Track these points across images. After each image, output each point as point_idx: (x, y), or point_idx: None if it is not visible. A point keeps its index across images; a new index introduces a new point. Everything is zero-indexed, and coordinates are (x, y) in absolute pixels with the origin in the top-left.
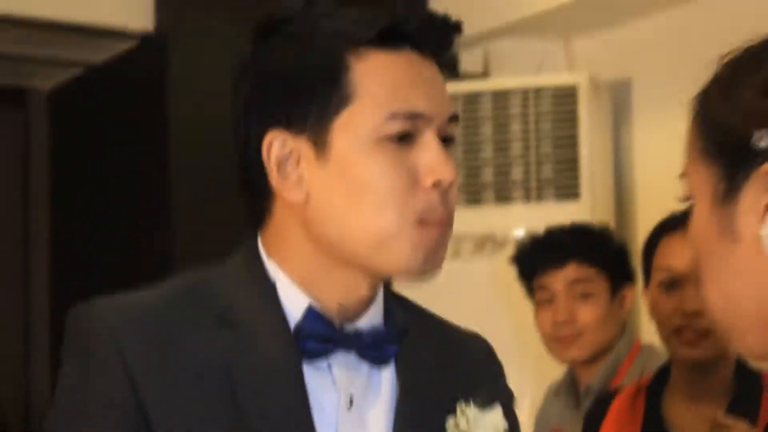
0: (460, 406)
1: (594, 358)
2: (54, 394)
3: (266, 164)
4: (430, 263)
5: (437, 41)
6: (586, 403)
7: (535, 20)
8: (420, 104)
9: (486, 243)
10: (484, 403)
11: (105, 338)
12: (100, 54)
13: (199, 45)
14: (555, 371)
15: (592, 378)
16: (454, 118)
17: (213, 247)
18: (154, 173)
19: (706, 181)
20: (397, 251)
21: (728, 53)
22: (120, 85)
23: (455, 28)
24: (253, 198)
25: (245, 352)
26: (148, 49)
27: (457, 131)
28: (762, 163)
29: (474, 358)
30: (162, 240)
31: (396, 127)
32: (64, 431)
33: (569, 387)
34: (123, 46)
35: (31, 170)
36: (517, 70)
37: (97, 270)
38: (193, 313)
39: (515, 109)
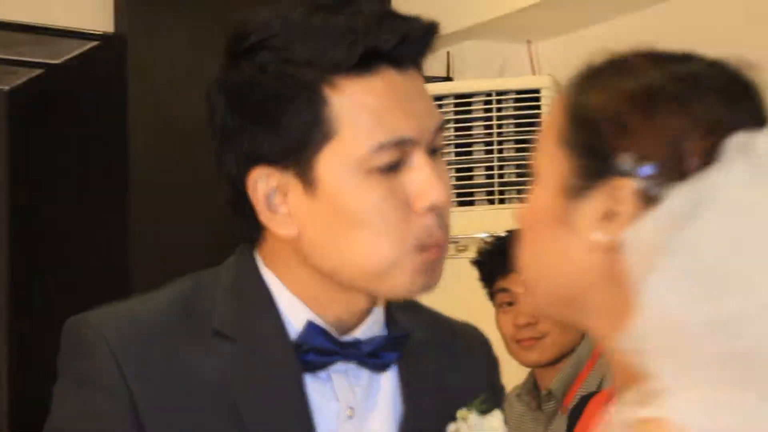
0: (461, 412)
1: (555, 362)
2: (51, 407)
3: (252, 200)
4: (429, 285)
5: (415, 52)
6: (547, 406)
7: (497, 23)
8: (406, 129)
9: (448, 246)
10: (485, 408)
11: (105, 357)
12: (61, 55)
13: (158, 45)
14: (518, 373)
15: (552, 381)
16: (441, 128)
17: (170, 242)
18: (113, 171)
19: (558, 168)
20: (397, 279)
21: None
22: (80, 85)
23: (432, 31)
24: (243, 224)
25: (245, 365)
26: (107, 50)
27: None
28: (614, 176)
29: (474, 354)
30: (120, 235)
31: (384, 158)
32: None
33: (530, 390)
34: (83, 47)
35: None
36: (479, 73)
37: (55, 267)
38: (189, 326)
39: (478, 112)
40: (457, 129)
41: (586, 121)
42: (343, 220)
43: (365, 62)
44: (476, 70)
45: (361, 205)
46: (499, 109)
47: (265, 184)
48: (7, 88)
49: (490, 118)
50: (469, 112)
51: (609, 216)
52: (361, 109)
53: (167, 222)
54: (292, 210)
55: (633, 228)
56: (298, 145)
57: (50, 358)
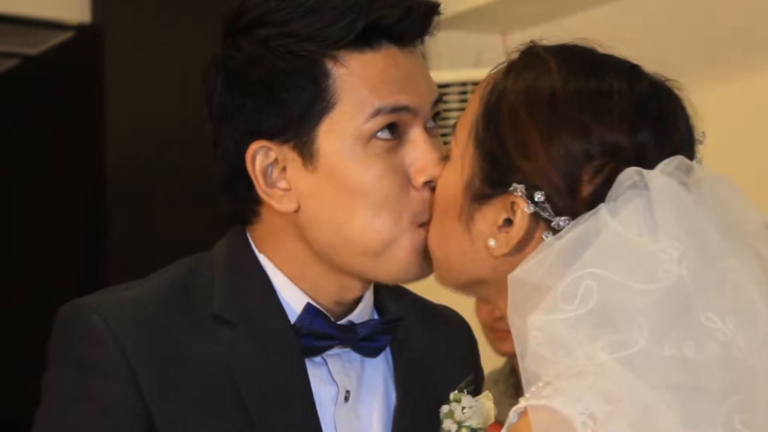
0: (454, 393)
1: None
2: (42, 400)
3: (251, 175)
4: (426, 268)
5: (417, 30)
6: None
7: (472, 14)
8: (404, 98)
9: None
10: (472, 389)
11: (110, 343)
12: (37, 46)
13: (135, 35)
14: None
15: None
16: (438, 102)
17: (147, 231)
18: (91, 161)
19: (468, 162)
20: (395, 257)
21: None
22: (56, 75)
23: (434, 10)
24: (237, 200)
25: (246, 350)
26: (84, 41)
27: None
28: (512, 192)
29: (456, 336)
30: (97, 226)
31: (381, 122)
32: None
33: (507, 376)
34: (60, 38)
35: None
36: (455, 65)
37: (29, 261)
38: (188, 311)
39: (453, 103)
40: (432, 119)
41: (494, 125)
42: (343, 193)
43: (366, 37)
44: (451, 61)
45: (360, 176)
46: None
47: (263, 159)
48: None
49: (464, 109)
50: (445, 102)
51: (505, 225)
52: (361, 81)
53: (144, 213)
54: (291, 184)
55: (521, 267)
56: (298, 118)
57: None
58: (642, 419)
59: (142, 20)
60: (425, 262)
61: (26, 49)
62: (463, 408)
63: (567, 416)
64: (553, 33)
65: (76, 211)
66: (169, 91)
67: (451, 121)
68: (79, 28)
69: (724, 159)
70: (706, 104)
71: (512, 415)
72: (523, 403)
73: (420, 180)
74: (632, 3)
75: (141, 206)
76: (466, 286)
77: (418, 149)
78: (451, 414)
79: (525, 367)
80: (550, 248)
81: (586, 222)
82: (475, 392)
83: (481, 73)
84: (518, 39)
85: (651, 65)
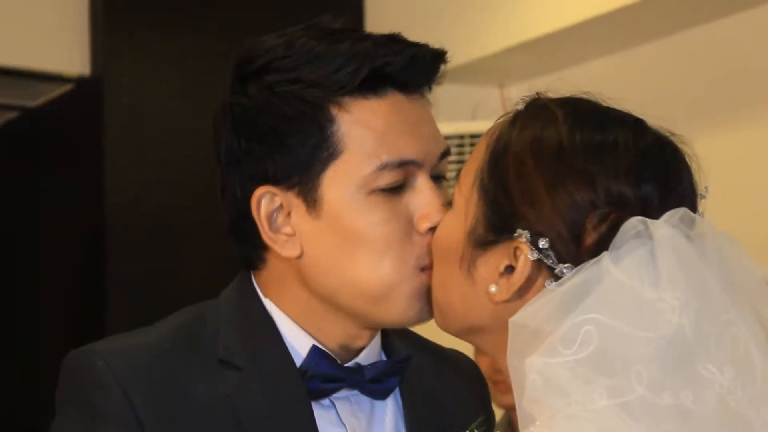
0: None
1: None
2: None
3: (256, 219)
4: (427, 312)
5: (423, 78)
6: None
7: (470, 67)
8: (409, 150)
9: None
10: (484, 429)
11: (114, 389)
12: (37, 98)
13: (133, 86)
14: None
15: None
16: (446, 155)
17: (145, 279)
18: (89, 209)
19: (471, 210)
20: (396, 302)
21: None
22: (56, 127)
23: (440, 58)
24: (243, 245)
25: (252, 393)
26: (83, 92)
27: None
28: (516, 239)
29: (466, 379)
30: (95, 278)
31: (388, 178)
32: None
33: (506, 428)
34: (59, 90)
35: None
36: (452, 117)
37: (27, 311)
38: (194, 357)
39: (452, 156)
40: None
41: (500, 173)
42: (346, 239)
43: (371, 84)
44: (449, 113)
45: (364, 225)
46: (472, 152)
47: (269, 204)
48: None
49: (462, 161)
50: (448, 153)
51: (507, 272)
52: (366, 130)
53: (142, 259)
54: (294, 230)
55: (522, 311)
56: (303, 164)
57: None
58: None
59: (141, 72)
60: (426, 306)
61: (26, 102)
62: None
63: None
64: (549, 85)
65: (74, 257)
66: (167, 140)
67: (449, 174)
68: (79, 81)
69: (724, 210)
70: (705, 156)
71: None
72: None
73: (425, 226)
74: (630, 55)
75: (139, 253)
76: (465, 333)
77: (424, 196)
78: None
79: (522, 408)
80: (552, 294)
81: (589, 269)
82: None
83: (477, 126)
84: (515, 91)
85: (653, 119)
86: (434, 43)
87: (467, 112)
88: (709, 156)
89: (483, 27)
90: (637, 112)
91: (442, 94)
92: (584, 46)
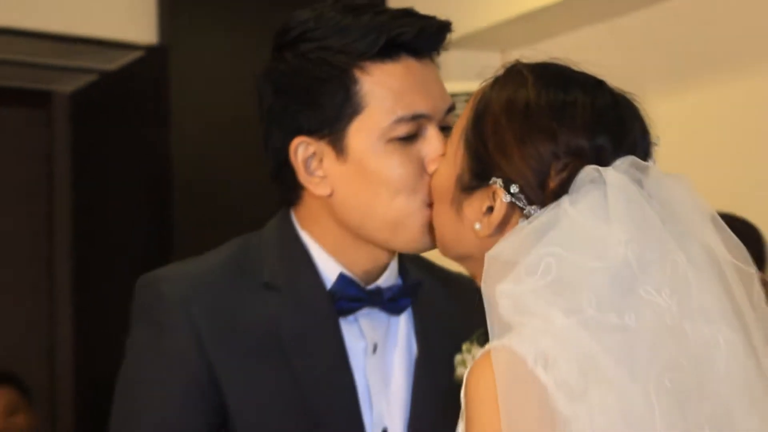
0: (466, 344)
1: None
2: (124, 361)
3: (294, 165)
4: (432, 240)
5: (431, 44)
6: None
7: (476, 36)
8: (421, 106)
9: None
10: (482, 340)
11: (177, 306)
12: (113, 62)
13: (196, 55)
14: None
15: None
16: (451, 110)
17: (208, 233)
18: (159, 157)
19: (458, 159)
20: (409, 230)
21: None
22: (129, 88)
23: (446, 28)
24: (284, 187)
25: (290, 312)
26: (152, 59)
27: None
28: (493, 184)
29: (468, 296)
30: (162, 224)
31: (403, 129)
32: (138, 387)
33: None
34: (131, 56)
35: (54, 163)
36: (461, 78)
37: (109, 245)
38: (242, 280)
39: (460, 109)
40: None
41: (481, 129)
42: (368, 180)
43: (388, 51)
44: (458, 75)
45: (383, 168)
46: None
47: (304, 152)
48: (69, 90)
49: None
50: (453, 109)
51: (488, 212)
52: (384, 89)
53: (205, 200)
54: (326, 173)
55: (496, 246)
56: (332, 118)
57: (105, 321)
58: (587, 363)
59: (200, 40)
60: (432, 236)
61: (105, 66)
62: (474, 357)
63: (521, 354)
64: (544, 51)
65: (146, 201)
66: (224, 100)
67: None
68: (148, 48)
69: (680, 159)
70: (661, 113)
71: (478, 354)
72: (487, 346)
73: (433, 168)
74: (611, 25)
75: (200, 195)
76: (459, 259)
77: (433, 144)
78: (464, 362)
79: (492, 328)
80: (520, 230)
81: (551, 210)
82: (485, 343)
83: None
84: (515, 56)
85: (623, 80)
86: (444, 15)
87: (474, 74)
88: (670, 111)
89: (481, 4)
90: (610, 73)
91: (453, 58)
92: (572, 16)
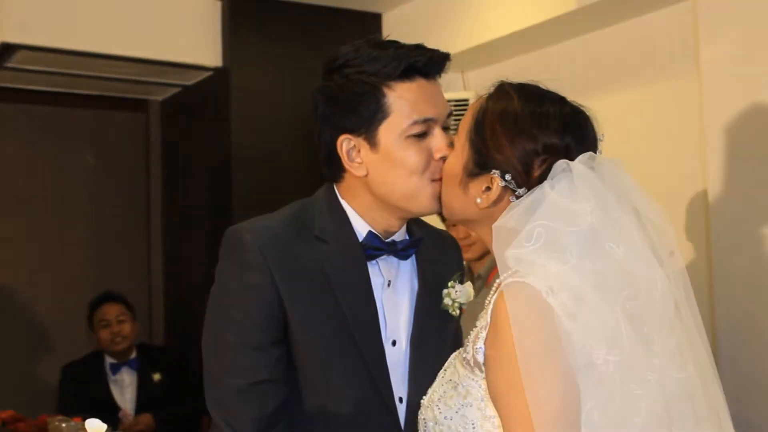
0: (451, 282)
1: (481, 257)
2: (215, 283)
3: (340, 154)
4: (437, 206)
5: (437, 69)
6: (477, 284)
7: None
8: (430, 112)
9: None
10: (461, 280)
11: (256, 251)
12: (191, 80)
13: (251, 75)
14: None
15: (481, 268)
16: (450, 114)
17: (255, 205)
18: (222, 157)
19: (464, 152)
20: (421, 200)
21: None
22: (202, 99)
23: (446, 58)
24: (331, 169)
25: (335, 257)
26: (218, 77)
27: None
28: (490, 172)
29: (452, 250)
30: (224, 198)
31: (417, 129)
32: (227, 304)
33: (467, 271)
34: (204, 75)
35: (149, 153)
36: None
37: (187, 209)
38: (301, 233)
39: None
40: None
41: (481, 131)
42: (393, 165)
43: (406, 73)
44: None
45: (403, 157)
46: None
47: (347, 145)
48: (160, 99)
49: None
50: (452, 114)
51: (486, 190)
52: (404, 100)
53: (254, 191)
54: (363, 160)
55: (502, 217)
56: (367, 121)
57: (185, 258)
58: (579, 296)
59: (254, 64)
60: (437, 203)
61: (186, 81)
62: (456, 290)
63: (536, 286)
64: (491, 72)
65: (213, 180)
66: (272, 110)
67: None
68: (215, 69)
69: (618, 152)
70: (602, 115)
71: (459, 288)
72: (503, 279)
73: (438, 155)
74: (539, 54)
75: (252, 178)
76: (462, 222)
77: (438, 139)
78: (449, 294)
79: (503, 275)
80: (516, 207)
81: (536, 192)
82: (462, 282)
83: (447, 96)
84: (471, 75)
85: (567, 91)
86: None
87: (443, 88)
88: (607, 112)
89: (450, 35)
90: (562, 88)
91: None
92: (515, 46)
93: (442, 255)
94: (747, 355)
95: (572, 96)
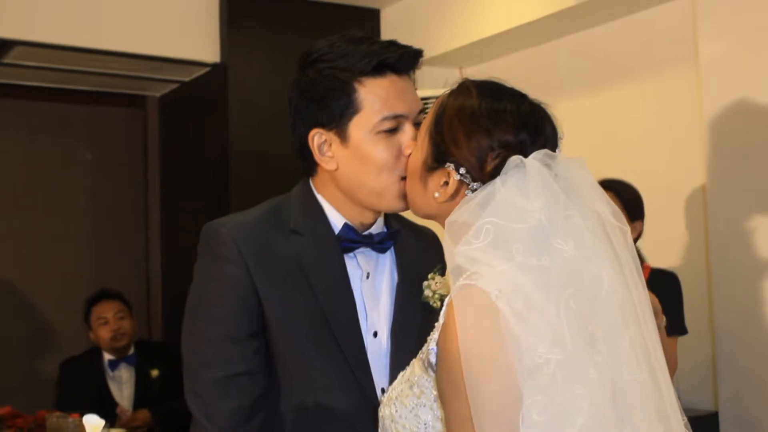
0: (431, 274)
1: None
2: (193, 278)
3: (311, 148)
4: (404, 206)
5: (408, 66)
6: None
7: (442, 58)
8: (400, 108)
9: None
10: (441, 272)
11: (231, 244)
12: (189, 75)
13: (247, 71)
14: None
15: None
16: (422, 111)
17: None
18: (219, 152)
19: (424, 146)
20: (389, 198)
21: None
22: (200, 94)
23: (419, 55)
24: (304, 162)
25: (310, 249)
26: (215, 73)
27: None
28: (447, 166)
29: (432, 243)
30: (221, 191)
31: (387, 125)
32: (205, 297)
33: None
34: (202, 71)
35: (148, 147)
36: (431, 87)
37: (185, 203)
38: (277, 227)
39: (429, 109)
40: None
41: (440, 126)
42: (362, 160)
43: (378, 69)
44: (429, 85)
45: (372, 152)
46: None
47: (318, 139)
48: (158, 95)
49: None
50: (425, 109)
51: (444, 185)
52: (375, 96)
53: (251, 183)
54: (333, 154)
55: (454, 212)
56: (338, 116)
57: (184, 255)
58: (525, 296)
59: (250, 60)
60: (404, 202)
61: (183, 77)
62: (436, 282)
63: (487, 291)
64: (488, 68)
65: (210, 174)
66: (268, 105)
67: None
68: (212, 65)
69: (616, 147)
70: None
71: (439, 281)
72: (459, 282)
73: (407, 152)
74: (537, 50)
75: (248, 172)
76: (425, 217)
77: (408, 135)
78: (429, 286)
79: (453, 272)
80: (468, 201)
81: (488, 187)
82: (443, 275)
83: (444, 92)
84: (469, 71)
85: (539, 90)
86: (418, 43)
87: (440, 84)
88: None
89: (449, 31)
90: (535, 85)
91: (425, 72)
92: (514, 42)
93: (422, 248)
94: (746, 353)
95: (571, 92)
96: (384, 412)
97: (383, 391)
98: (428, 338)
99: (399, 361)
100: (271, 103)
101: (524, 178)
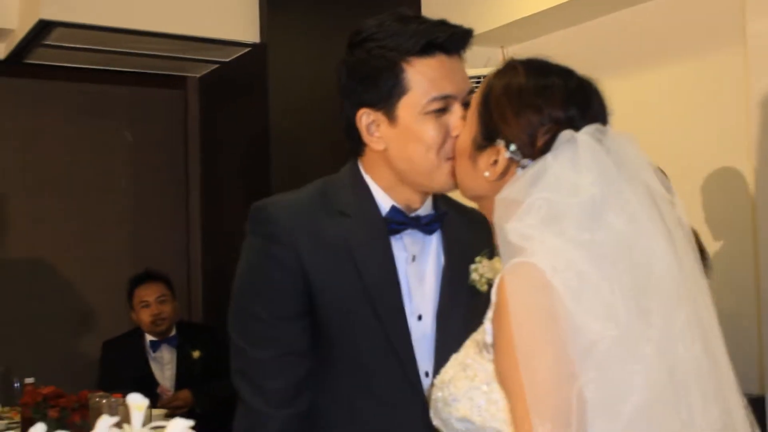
0: (479, 258)
1: None
2: (241, 257)
3: (360, 128)
4: (453, 186)
5: (458, 46)
6: None
7: (485, 36)
8: (449, 89)
9: None
10: (489, 255)
11: (281, 225)
12: (229, 56)
13: (287, 51)
14: None
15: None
16: (471, 92)
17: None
18: (259, 131)
19: (474, 126)
20: (437, 177)
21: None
22: (240, 74)
23: (468, 35)
24: (352, 142)
25: (357, 231)
26: (255, 53)
27: None
28: (497, 144)
29: (480, 226)
30: (262, 171)
31: (435, 105)
32: (254, 276)
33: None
34: (241, 51)
35: (188, 128)
36: (472, 66)
37: (226, 184)
38: (324, 208)
39: (476, 88)
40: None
41: (488, 105)
42: (410, 141)
43: (426, 49)
44: (475, 63)
45: (420, 132)
46: None
47: (367, 119)
48: (198, 75)
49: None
50: (473, 91)
51: (494, 163)
52: (423, 76)
53: (292, 163)
54: (381, 134)
55: (504, 189)
56: (386, 96)
57: (224, 238)
58: (579, 272)
59: (290, 40)
60: (454, 180)
61: (223, 58)
62: (484, 265)
63: (541, 267)
64: (532, 47)
65: (252, 154)
66: (307, 84)
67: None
68: (252, 45)
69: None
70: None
71: (486, 264)
72: (513, 260)
73: (455, 133)
74: (581, 28)
75: (289, 151)
76: (474, 199)
77: (456, 116)
78: (476, 269)
79: (505, 249)
80: (520, 178)
81: (539, 163)
82: (491, 258)
83: (488, 70)
84: (511, 50)
85: (587, 67)
86: (459, 21)
87: (481, 63)
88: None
89: (490, 10)
90: (582, 63)
91: (468, 52)
92: (556, 20)
93: (470, 231)
94: None
95: (614, 72)
96: (436, 395)
97: (426, 374)
98: (483, 319)
99: (443, 344)
100: (311, 82)
101: (576, 152)
